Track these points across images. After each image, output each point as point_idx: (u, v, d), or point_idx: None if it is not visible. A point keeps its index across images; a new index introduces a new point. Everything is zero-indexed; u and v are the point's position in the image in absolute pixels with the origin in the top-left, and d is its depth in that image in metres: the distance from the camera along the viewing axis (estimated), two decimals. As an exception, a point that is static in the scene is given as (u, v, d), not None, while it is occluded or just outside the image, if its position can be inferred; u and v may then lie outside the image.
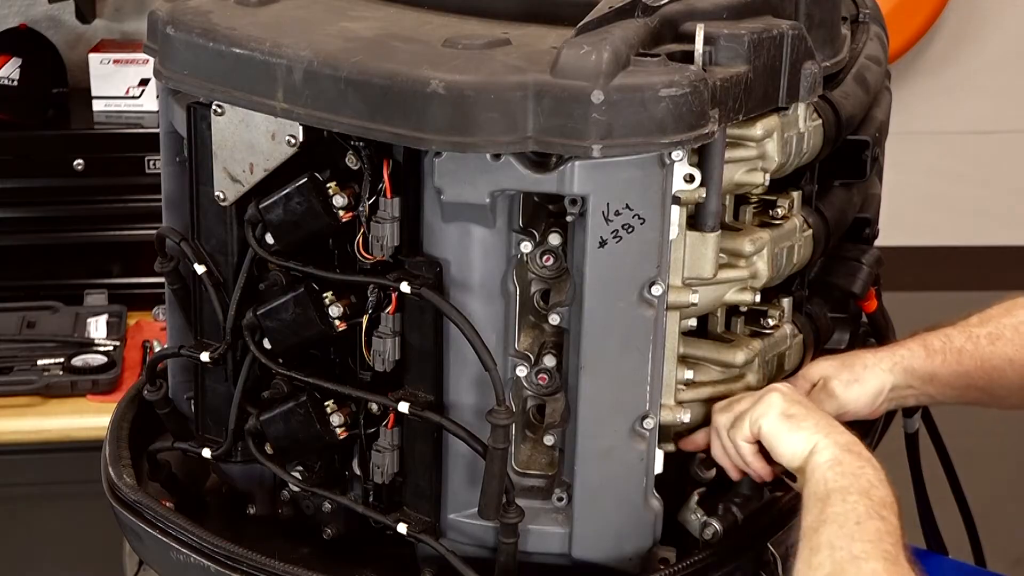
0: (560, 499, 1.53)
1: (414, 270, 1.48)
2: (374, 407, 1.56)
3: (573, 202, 1.43)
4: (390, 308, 1.50)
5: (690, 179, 1.47)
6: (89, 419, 2.59)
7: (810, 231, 1.66)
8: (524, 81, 1.38)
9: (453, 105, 1.37)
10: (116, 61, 3.04)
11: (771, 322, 1.65)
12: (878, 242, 1.90)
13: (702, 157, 1.48)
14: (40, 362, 2.70)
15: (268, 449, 1.60)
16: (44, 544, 2.82)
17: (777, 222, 1.61)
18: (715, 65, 1.46)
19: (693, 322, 1.60)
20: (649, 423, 1.49)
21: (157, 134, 1.72)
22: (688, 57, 1.44)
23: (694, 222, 1.51)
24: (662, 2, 1.49)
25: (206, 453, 1.65)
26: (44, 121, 3.01)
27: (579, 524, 1.52)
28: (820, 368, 1.71)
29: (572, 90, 1.37)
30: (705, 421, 1.60)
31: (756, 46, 1.47)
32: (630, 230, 1.43)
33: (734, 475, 1.58)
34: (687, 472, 1.62)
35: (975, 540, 2.12)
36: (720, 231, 1.52)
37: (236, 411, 1.61)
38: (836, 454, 1.47)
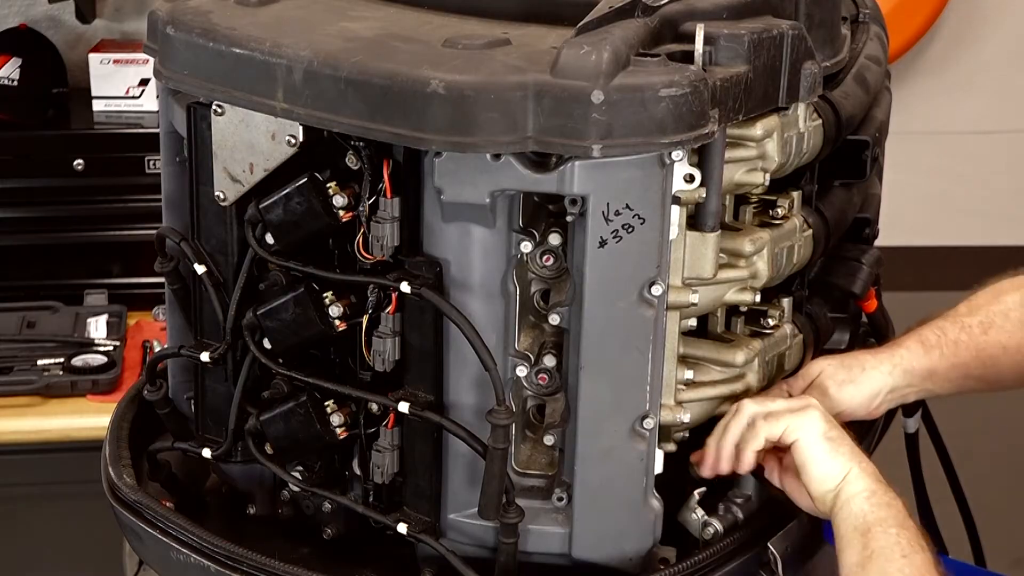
0: (560, 499, 1.53)
1: (414, 270, 1.48)
2: (374, 407, 1.56)
3: (573, 202, 1.43)
4: (390, 308, 1.50)
5: (690, 179, 1.47)
6: (89, 419, 2.59)
7: (810, 231, 1.66)
8: (524, 81, 1.38)
9: (453, 105, 1.37)
10: (116, 61, 3.04)
11: (771, 322, 1.65)
12: (878, 242, 1.90)
13: (702, 157, 1.48)
14: (40, 362, 2.70)
15: (268, 449, 1.60)
16: (44, 544, 2.82)
17: (777, 222, 1.61)
18: (715, 65, 1.46)
19: (693, 322, 1.60)
20: (649, 423, 1.49)
21: (157, 134, 1.72)
22: (688, 57, 1.44)
23: (694, 222, 1.51)
24: (662, 2, 1.49)
25: (206, 453, 1.65)
26: (44, 121, 3.02)
27: (579, 524, 1.52)
28: (818, 366, 1.72)
29: (572, 90, 1.37)
30: (705, 421, 1.60)
31: (756, 46, 1.47)
32: (630, 230, 1.43)
33: (706, 471, 1.58)
34: (687, 472, 1.62)
35: (975, 540, 2.12)
36: (720, 231, 1.52)
37: (236, 411, 1.60)
38: (869, 484, 1.50)
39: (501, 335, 1.49)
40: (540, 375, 1.51)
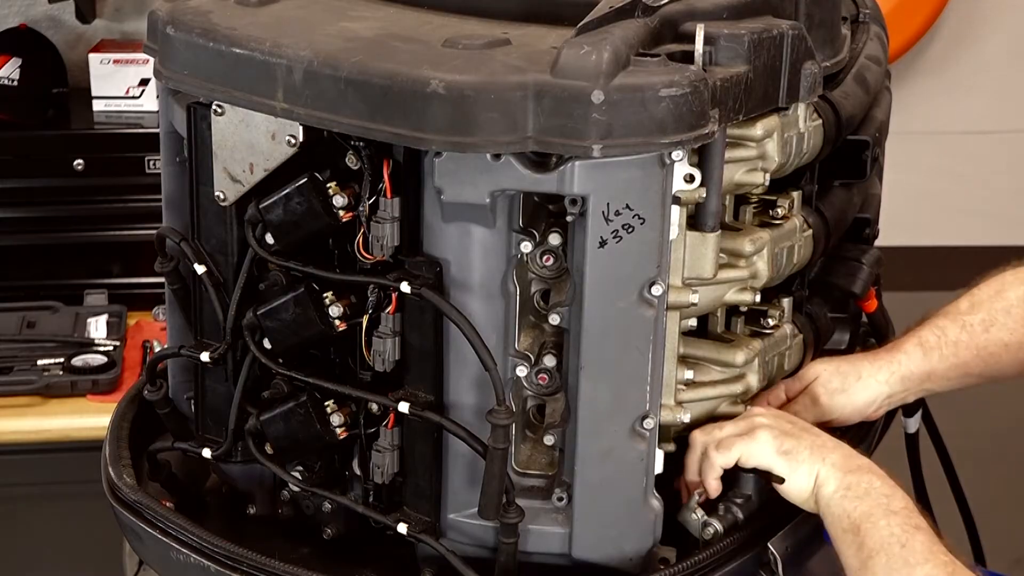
0: (560, 499, 1.53)
1: (414, 270, 1.48)
2: (374, 407, 1.56)
3: (573, 202, 1.43)
4: (390, 308, 1.50)
5: (690, 179, 1.47)
6: (89, 419, 2.59)
7: (810, 231, 1.66)
8: (524, 81, 1.38)
9: (453, 105, 1.37)
10: (116, 61, 3.04)
11: (771, 322, 1.65)
12: (878, 242, 1.90)
13: (702, 157, 1.48)
14: (40, 362, 2.70)
15: (268, 449, 1.60)
16: (44, 544, 2.82)
17: (777, 222, 1.61)
18: (715, 65, 1.46)
19: (693, 322, 1.60)
20: (649, 423, 1.49)
21: (157, 134, 1.72)
22: (688, 57, 1.44)
23: (694, 222, 1.51)
24: (662, 2, 1.49)
25: (206, 453, 1.65)
26: (44, 121, 3.02)
27: (579, 524, 1.52)
28: (814, 371, 1.72)
29: (572, 90, 1.37)
30: (705, 422, 1.60)
31: (756, 46, 1.47)
32: (630, 230, 1.43)
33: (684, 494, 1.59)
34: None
35: (975, 540, 2.12)
36: (720, 231, 1.52)
37: (236, 411, 1.60)
38: (841, 479, 1.50)
39: (501, 335, 1.49)
40: (540, 375, 1.51)
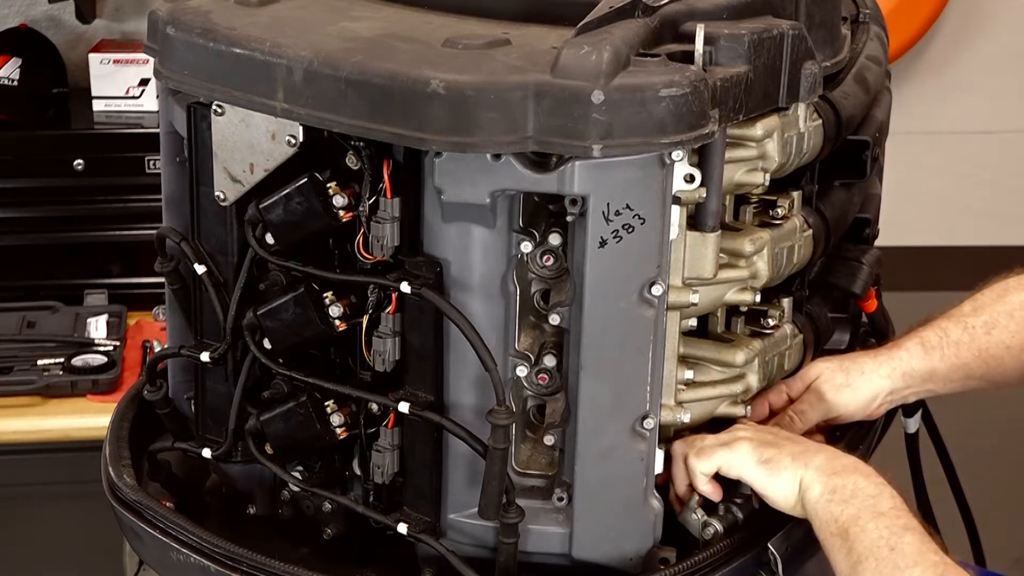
0: (560, 499, 1.53)
1: (414, 270, 1.48)
2: (374, 407, 1.56)
3: (573, 202, 1.43)
4: (390, 308, 1.50)
5: (690, 179, 1.47)
6: (89, 419, 2.59)
7: (810, 231, 1.66)
8: (524, 81, 1.38)
9: (453, 105, 1.37)
10: (116, 61, 3.04)
11: (771, 322, 1.65)
12: (878, 242, 1.90)
13: (702, 157, 1.48)
14: (40, 362, 2.70)
15: (268, 449, 1.60)
16: (44, 544, 2.82)
17: (777, 222, 1.61)
18: (715, 65, 1.46)
19: (693, 322, 1.60)
20: (649, 423, 1.49)
21: (157, 134, 1.72)
22: (688, 57, 1.44)
23: (694, 222, 1.51)
24: (662, 2, 1.49)
25: (206, 453, 1.65)
26: (44, 121, 3.02)
27: (579, 524, 1.52)
28: (816, 369, 1.72)
29: (572, 90, 1.37)
30: (705, 422, 1.60)
31: (756, 46, 1.47)
32: (630, 230, 1.43)
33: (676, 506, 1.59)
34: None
35: (975, 540, 2.12)
36: (720, 231, 1.52)
37: (236, 411, 1.60)
38: (825, 483, 1.49)
39: (501, 335, 1.49)
40: (540, 375, 1.51)
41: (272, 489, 1.68)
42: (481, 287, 1.47)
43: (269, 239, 1.54)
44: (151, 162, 2.89)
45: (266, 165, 1.52)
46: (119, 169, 2.93)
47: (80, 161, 2.91)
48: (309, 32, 1.49)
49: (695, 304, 1.52)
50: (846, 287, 1.82)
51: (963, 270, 3.77)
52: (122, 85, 3.04)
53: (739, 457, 1.54)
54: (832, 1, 1.67)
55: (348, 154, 1.49)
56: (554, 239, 1.48)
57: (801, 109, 1.58)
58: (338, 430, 1.56)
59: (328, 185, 1.50)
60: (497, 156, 1.41)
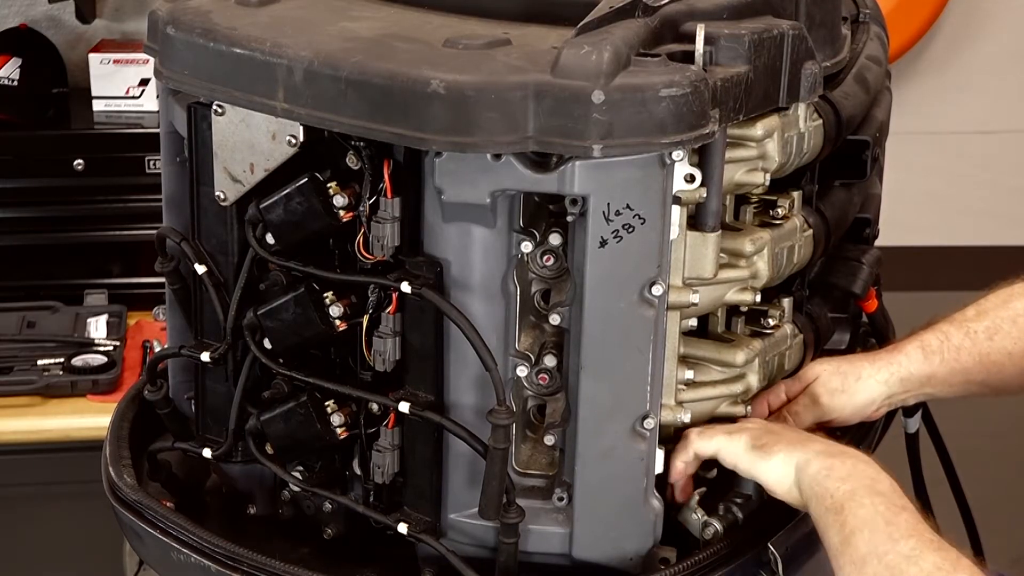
0: (560, 499, 1.53)
1: (414, 270, 1.48)
2: (374, 407, 1.56)
3: (573, 202, 1.43)
4: (390, 308, 1.50)
5: (690, 179, 1.47)
6: (89, 419, 2.59)
7: (810, 231, 1.66)
8: (524, 81, 1.38)
9: (453, 105, 1.37)
10: (116, 61, 3.04)
11: (771, 322, 1.65)
12: (878, 242, 1.90)
13: (702, 157, 1.48)
14: (40, 362, 2.70)
15: (268, 449, 1.60)
16: (44, 544, 2.82)
17: (777, 222, 1.61)
18: (715, 65, 1.46)
19: (693, 322, 1.60)
20: (649, 423, 1.49)
21: (157, 134, 1.72)
22: (688, 57, 1.44)
23: (694, 222, 1.51)
24: (662, 2, 1.49)
25: (206, 453, 1.65)
26: (44, 121, 3.02)
27: (579, 524, 1.52)
28: (813, 371, 1.72)
29: (572, 90, 1.37)
30: (705, 422, 1.60)
31: (756, 46, 1.47)
32: (630, 230, 1.43)
33: (679, 495, 1.59)
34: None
35: (975, 540, 2.12)
36: (720, 231, 1.52)
37: (236, 411, 1.60)
38: (823, 461, 1.48)
39: (501, 335, 1.49)
40: (540, 375, 1.51)
41: (272, 489, 1.68)
42: (481, 287, 1.47)
43: (269, 239, 1.54)
44: (151, 162, 2.89)
45: (266, 165, 1.52)
46: (119, 169, 2.93)
47: (80, 161, 2.91)
48: (309, 32, 1.49)
49: (695, 304, 1.52)
50: (846, 287, 1.82)
51: (963, 270, 3.77)
52: (122, 85, 3.04)
53: (734, 444, 1.54)
54: (832, 1, 1.67)
55: (348, 154, 1.49)
56: (554, 239, 1.48)
57: (801, 109, 1.58)
58: (338, 430, 1.56)
59: (328, 185, 1.50)
60: (497, 156, 1.41)
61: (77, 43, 3.22)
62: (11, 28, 3.14)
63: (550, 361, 1.51)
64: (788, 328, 1.68)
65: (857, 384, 1.71)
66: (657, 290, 1.46)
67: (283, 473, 1.60)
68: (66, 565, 2.84)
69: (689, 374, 1.57)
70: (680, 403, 1.56)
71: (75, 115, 3.07)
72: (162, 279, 1.69)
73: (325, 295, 1.53)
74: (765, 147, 1.55)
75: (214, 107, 1.53)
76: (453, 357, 1.49)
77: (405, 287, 1.46)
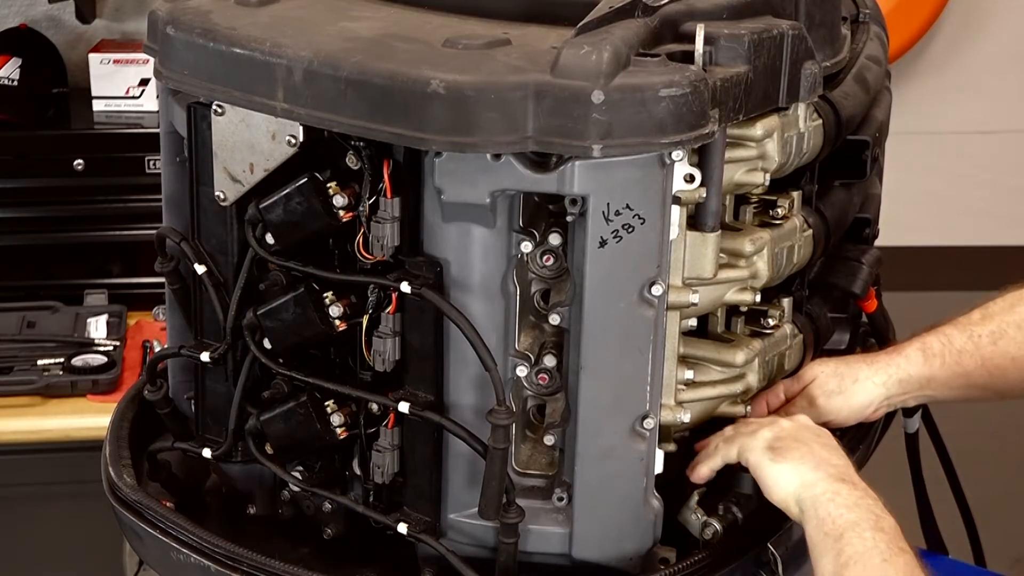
0: (560, 499, 1.53)
1: (414, 270, 1.48)
2: (374, 407, 1.56)
3: (573, 202, 1.43)
4: (390, 308, 1.50)
5: (690, 179, 1.47)
6: (89, 419, 2.59)
7: (810, 231, 1.66)
8: (524, 81, 1.38)
9: (453, 105, 1.37)
10: (116, 61, 3.04)
11: (771, 322, 1.65)
12: (878, 242, 1.90)
13: (702, 157, 1.48)
14: (40, 362, 2.70)
15: (268, 449, 1.60)
16: (44, 544, 2.82)
17: (777, 222, 1.62)
18: (715, 65, 1.46)
19: (693, 322, 1.60)
20: (649, 423, 1.49)
21: (157, 134, 1.72)
22: (688, 57, 1.44)
23: (694, 222, 1.51)
24: (662, 2, 1.49)
25: (206, 453, 1.65)
26: (44, 121, 3.01)
27: (579, 524, 1.52)
28: (812, 372, 1.71)
29: (572, 90, 1.37)
30: (704, 422, 1.60)
31: (756, 46, 1.47)
32: (630, 230, 1.43)
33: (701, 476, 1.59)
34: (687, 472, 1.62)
35: (975, 540, 2.12)
36: (720, 231, 1.52)
37: (236, 411, 1.61)
38: (832, 486, 1.47)
39: (501, 335, 1.49)
40: (540, 375, 1.51)
41: (272, 489, 1.68)
42: (481, 287, 1.47)
43: (269, 239, 1.54)
44: (151, 162, 2.89)
45: (266, 165, 1.52)
46: (119, 169, 2.92)
47: (80, 161, 2.91)
48: (309, 32, 1.49)
49: (695, 304, 1.52)
50: (846, 287, 1.82)
51: (963, 270, 3.77)
52: (122, 85, 3.03)
53: (753, 440, 1.53)
54: (832, 1, 1.67)
55: (348, 154, 1.49)
56: (554, 239, 1.48)
57: (801, 109, 1.58)
58: (338, 430, 1.56)
59: (328, 185, 1.50)
60: (497, 156, 1.41)
61: (77, 43, 3.21)
62: (11, 28, 3.13)
63: (550, 361, 1.51)
64: (788, 328, 1.68)
65: (854, 386, 1.71)
66: (657, 290, 1.46)
67: (283, 473, 1.60)
68: (66, 565, 2.84)
69: (689, 374, 1.57)
70: (680, 403, 1.56)
71: (75, 115, 3.06)
72: (162, 279, 1.70)
73: (325, 295, 1.53)
74: (765, 147, 1.55)
75: (214, 107, 1.53)
76: (453, 357, 1.49)
77: (405, 287, 1.46)
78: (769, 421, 1.57)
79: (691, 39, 1.45)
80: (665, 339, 1.51)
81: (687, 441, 1.62)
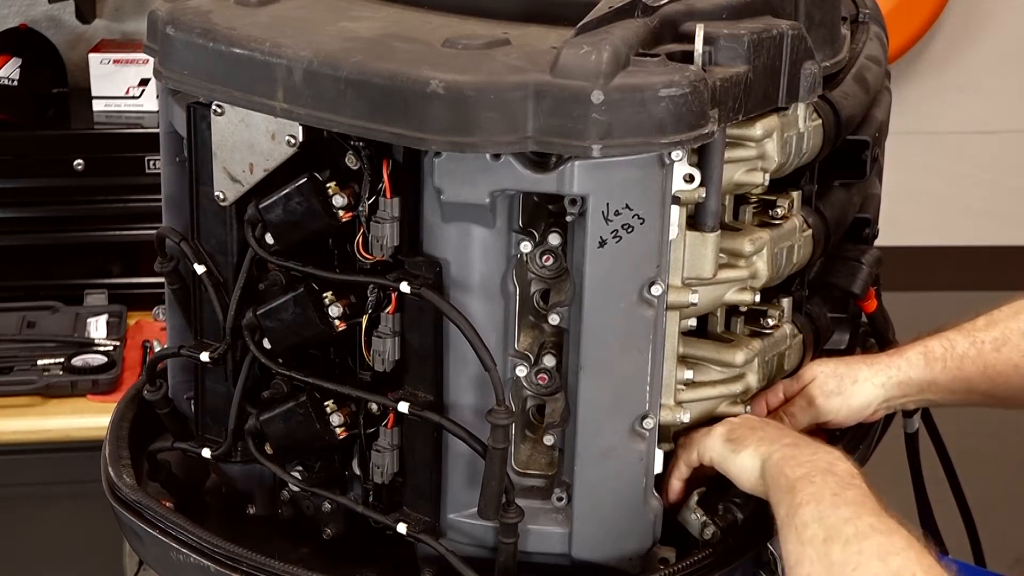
0: (560, 499, 1.53)
1: (414, 270, 1.48)
2: (374, 407, 1.56)
3: (573, 202, 1.43)
4: (390, 308, 1.50)
5: (690, 179, 1.47)
6: (89, 419, 2.59)
7: (810, 231, 1.66)
8: (524, 81, 1.38)
9: (453, 105, 1.37)
10: (116, 61, 3.04)
11: (771, 322, 1.65)
12: (878, 242, 1.90)
13: (702, 157, 1.48)
14: (40, 362, 2.70)
15: (268, 449, 1.60)
16: (44, 544, 2.82)
17: (777, 222, 1.62)
18: (715, 65, 1.46)
19: (693, 322, 1.60)
20: (649, 423, 1.49)
21: (157, 134, 1.72)
22: (688, 57, 1.44)
23: (694, 222, 1.51)
24: (662, 2, 1.49)
25: (206, 453, 1.65)
26: (44, 121, 3.02)
27: (579, 524, 1.52)
28: (812, 372, 1.71)
29: (572, 90, 1.37)
30: (704, 422, 1.60)
31: (756, 46, 1.47)
32: (630, 230, 1.43)
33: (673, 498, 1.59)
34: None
35: (975, 540, 2.12)
36: (720, 231, 1.52)
37: (236, 411, 1.61)
38: (786, 451, 1.47)
39: (501, 335, 1.49)
40: (540, 375, 1.51)
41: (272, 489, 1.68)
42: (481, 287, 1.47)
43: (269, 239, 1.54)
44: (151, 162, 2.89)
45: (266, 165, 1.52)
46: (119, 169, 2.93)
47: (80, 161, 2.91)
48: (309, 32, 1.49)
49: (695, 304, 1.52)
50: (846, 287, 1.82)
51: (963, 270, 3.77)
52: (122, 85, 3.04)
53: (711, 440, 1.54)
54: (832, 1, 1.67)
55: (348, 154, 1.49)
56: (554, 239, 1.48)
57: (801, 109, 1.58)
58: (338, 430, 1.56)
59: (328, 185, 1.50)
60: (497, 156, 1.41)
61: (77, 43, 3.22)
62: (11, 28, 3.14)
63: (549, 361, 1.51)
64: (787, 328, 1.68)
65: (854, 387, 1.71)
66: (656, 290, 1.46)
67: (283, 473, 1.60)
68: (66, 565, 2.84)
69: (688, 374, 1.57)
70: (679, 403, 1.56)
71: (75, 115, 3.07)
72: (162, 279, 1.70)
73: (324, 295, 1.53)
74: (764, 147, 1.55)
75: (213, 107, 1.53)
76: (452, 357, 1.49)
77: (404, 287, 1.46)
78: (706, 428, 1.57)
79: (691, 39, 1.45)
80: (665, 339, 1.51)
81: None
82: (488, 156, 1.41)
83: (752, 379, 1.62)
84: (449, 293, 1.47)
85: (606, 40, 1.39)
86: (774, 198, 1.62)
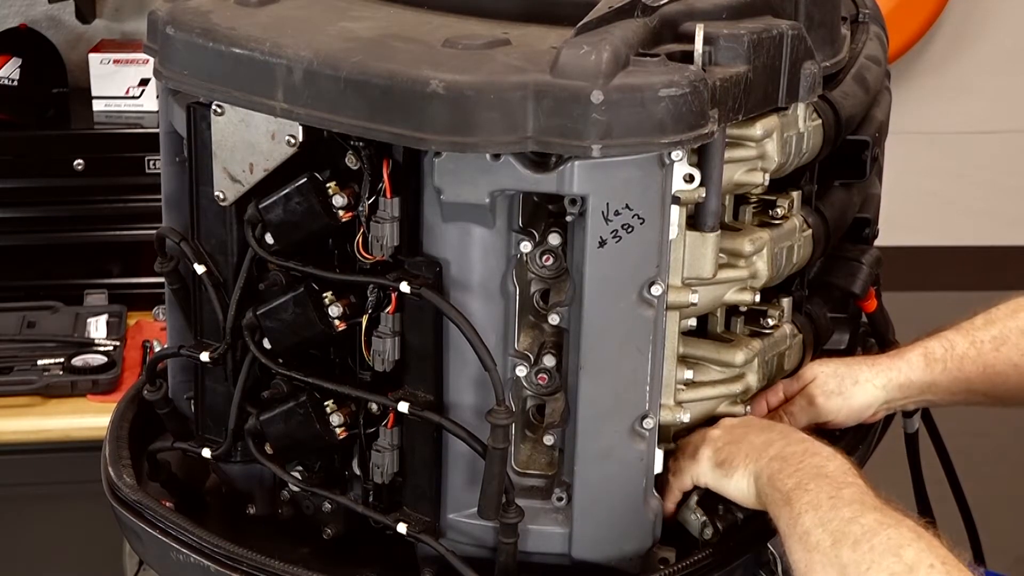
0: (560, 499, 1.53)
1: (414, 270, 1.48)
2: (374, 407, 1.56)
3: (573, 202, 1.43)
4: (390, 308, 1.50)
5: (690, 179, 1.47)
6: (89, 419, 2.59)
7: (810, 231, 1.66)
8: (524, 81, 1.38)
9: (453, 105, 1.37)
10: (116, 61, 3.04)
11: (771, 322, 1.65)
12: (878, 242, 1.90)
13: (702, 157, 1.48)
14: (40, 362, 2.70)
15: (268, 449, 1.60)
16: (44, 544, 2.82)
17: (777, 222, 1.62)
18: (715, 65, 1.46)
19: (693, 322, 1.60)
20: (649, 423, 1.49)
21: (157, 134, 1.72)
22: (688, 57, 1.44)
23: (694, 222, 1.51)
24: (662, 2, 1.49)
25: (206, 453, 1.65)
26: (44, 121, 3.02)
27: (579, 524, 1.52)
28: (812, 372, 1.71)
29: (572, 90, 1.37)
30: (704, 422, 1.60)
31: (756, 46, 1.47)
32: (630, 230, 1.43)
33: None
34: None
35: (975, 540, 2.12)
36: (720, 231, 1.52)
37: (236, 411, 1.61)
38: (774, 466, 1.47)
39: (501, 335, 1.49)
40: (540, 375, 1.51)
41: (272, 489, 1.68)
42: (481, 287, 1.47)
43: (269, 239, 1.54)
44: (151, 162, 2.89)
45: (266, 165, 1.52)
46: (119, 169, 2.93)
47: (80, 161, 2.91)
48: (309, 32, 1.49)
49: (695, 304, 1.52)
50: (846, 287, 1.82)
51: (963, 270, 3.78)
52: (122, 85, 3.04)
53: (700, 466, 1.54)
54: (832, 1, 1.67)
55: (348, 154, 1.49)
56: (553, 239, 1.48)
57: (801, 109, 1.58)
58: (338, 430, 1.56)
59: (328, 185, 1.50)
60: (497, 156, 1.41)
61: (77, 43, 3.22)
62: (11, 28, 3.13)
63: (549, 361, 1.51)
64: (787, 328, 1.68)
65: (854, 388, 1.71)
66: (656, 290, 1.46)
67: (282, 473, 1.60)
68: (66, 565, 2.84)
69: (688, 374, 1.57)
70: (679, 403, 1.56)
71: (75, 115, 3.07)
72: (162, 279, 1.70)
73: (324, 295, 1.53)
74: (764, 147, 1.55)
75: (213, 107, 1.53)
76: (452, 357, 1.49)
77: (404, 287, 1.46)
78: (700, 438, 1.56)
79: (691, 39, 1.45)
80: (664, 339, 1.51)
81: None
82: (488, 156, 1.41)
83: (752, 379, 1.62)
84: (449, 293, 1.47)
85: (606, 40, 1.39)
86: (774, 198, 1.62)
